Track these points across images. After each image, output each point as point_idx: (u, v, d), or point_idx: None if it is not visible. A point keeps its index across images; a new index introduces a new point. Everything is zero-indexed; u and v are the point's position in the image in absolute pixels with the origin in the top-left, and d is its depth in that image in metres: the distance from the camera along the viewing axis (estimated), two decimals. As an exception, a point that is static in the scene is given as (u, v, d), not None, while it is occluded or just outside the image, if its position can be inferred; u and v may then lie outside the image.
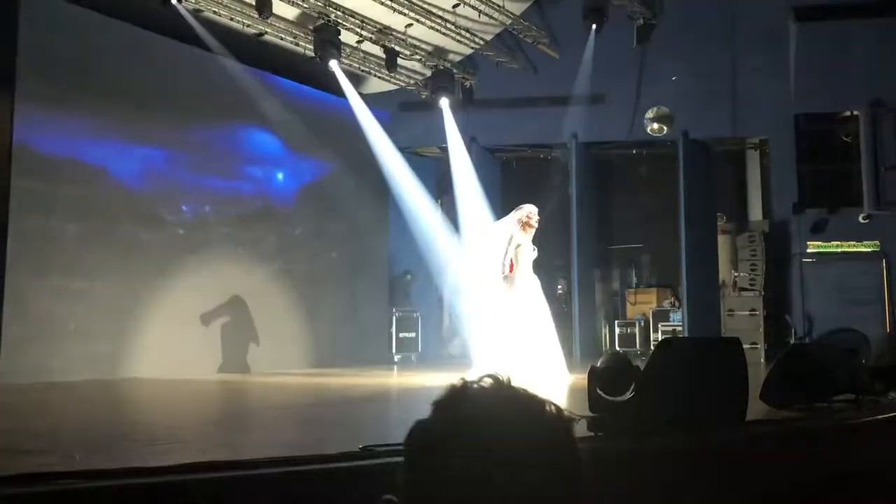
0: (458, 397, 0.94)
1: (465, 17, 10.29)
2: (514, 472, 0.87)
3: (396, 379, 8.76)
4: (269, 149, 9.88)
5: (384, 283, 11.54)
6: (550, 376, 7.63)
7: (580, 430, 3.60)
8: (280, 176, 10.21)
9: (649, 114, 10.95)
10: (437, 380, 7.02)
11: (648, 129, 10.97)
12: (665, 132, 11.01)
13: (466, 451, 0.88)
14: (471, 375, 0.97)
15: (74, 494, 2.29)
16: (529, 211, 8.31)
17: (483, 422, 0.90)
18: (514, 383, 0.96)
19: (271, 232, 10.01)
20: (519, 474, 0.87)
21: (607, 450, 3.24)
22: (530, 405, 0.93)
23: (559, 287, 11.69)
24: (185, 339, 8.58)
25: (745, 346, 4.19)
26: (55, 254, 7.74)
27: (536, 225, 8.31)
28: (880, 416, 4.25)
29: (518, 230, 8.14)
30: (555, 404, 0.94)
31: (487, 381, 0.95)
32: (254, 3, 8.50)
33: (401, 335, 11.09)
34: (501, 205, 10.68)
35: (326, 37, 9.21)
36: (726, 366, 3.91)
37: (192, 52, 8.86)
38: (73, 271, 7.87)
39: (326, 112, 10.44)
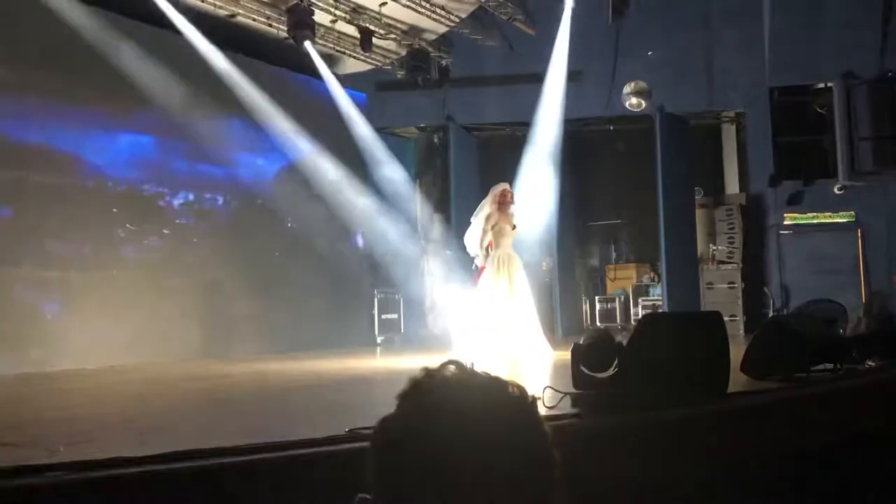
0: (421, 389, 0.94)
1: (440, -5, 10.21)
2: (484, 457, 0.88)
3: (380, 361, 8.77)
4: (245, 132, 9.77)
5: (365, 266, 11.52)
6: (532, 354, 7.68)
7: (565, 407, 3.64)
8: (256, 159, 10.11)
9: (627, 88, 10.94)
10: (421, 361, 7.03)
11: (627, 105, 10.97)
12: (643, 107, 11.02)
13: (434, 442, 0.89)
14: (433, 364, 0.97)
15: (60, 487, 2.27)
16: (504, 189, 8.32)
17: (448, 411, 0.90)
18: (477, 368, 0.97)
19: (249, 216, 9.93)
20: (488, 459, 0.88)
21: (592, 425, 3.27)
22: (493, 389, 0.94)
23: (543, 264, 11.72)
24: (164, 326, 8.52)
25: (725, 318, 4.24)
26: (29, 243, 7.64)
27: (513, 202, 8.32)
28: (858, 384, 4.33)
29: (494, 209, 8.15)
30: (517, 385, 0.95)
31: (449, 369, 0.95)
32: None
33: (383, 317, 11.09)
34: (479, 183, 10.67)
35: (300, 17, 9.10)
36: (707, 339, 3.95)
37: (162, 35, 8.72)
38: (48, 260, 7.77)
39: (301, 94, 10.34)
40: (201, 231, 9.34)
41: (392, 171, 11.22)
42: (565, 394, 3.75)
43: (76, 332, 7.77)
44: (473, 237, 8.30)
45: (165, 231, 8.95)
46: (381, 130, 11.30)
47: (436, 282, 11.69)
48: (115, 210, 8.40)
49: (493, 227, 8.09)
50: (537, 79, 11.10)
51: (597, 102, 11.42)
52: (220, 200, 9.64)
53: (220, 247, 9.43)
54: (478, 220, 8.30)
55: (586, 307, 12.42)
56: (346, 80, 10.90)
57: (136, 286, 8.42)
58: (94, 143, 8.31)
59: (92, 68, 8.10)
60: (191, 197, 9.31)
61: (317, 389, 5.83)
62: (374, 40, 10.33)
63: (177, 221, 9.08)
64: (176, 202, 9.15)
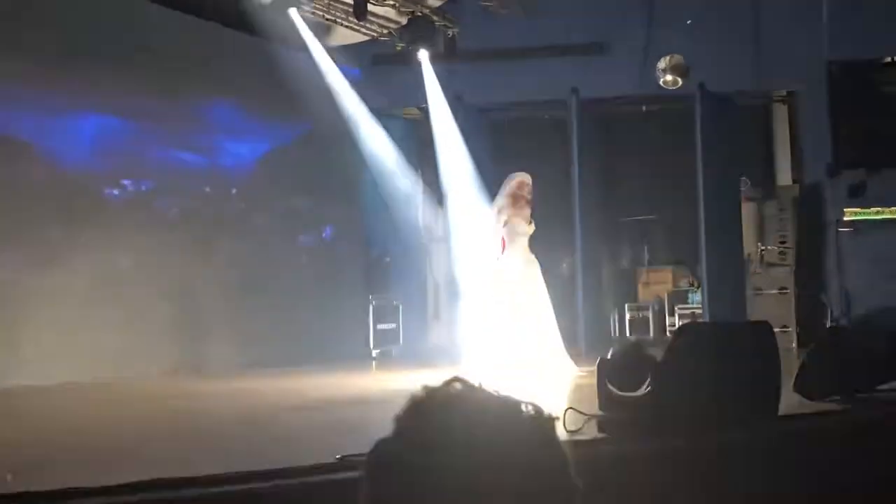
0: (422, 408, 0.95)
1: (446, -45, 10.22)
2: (494, 485, 0.88)
3: (375, 378, 8.78)
4: (222, 114, 9.80)
5: (359, 268, 11.53)
6: (552, 370, 7.68)
7: (590, 431, 3.64)
8: (234, 145, 10.14)
9: (662, 63, 10.92)
10: (422, 378, 7.04)
11: (661, 82, 10.95)
12: (680, 85, 11.00)
13: (437, 468, 0.89)
14: (434, 382, 0.98)
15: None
16: (520, 181, 8.30)
17: (453, 433, 0.91)
18: (485, 386, 0.97)
19: (225, 210, 9.96)
20: (499, 487, 0.88)
21: (621, 453, 3.28)
22: (504, 408, 0.94)
23: (563, 266, 11.72)
24: (130, 338, 8.54)
25: (776, 329, 4.24)
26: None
27: (529, 196, 8.30)
28: (931, 407, 4.32)
29: (508, 204, 8.14)
30: (532, 404, 0.96)
31: (454, 387, 0.96)
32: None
33: (379, 327, 11.09)
34: (492, 173, 10.66)
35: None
36: (755, 353, 3.95)
37: (126, 4, 8.75)
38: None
39: (286, 69, 10.34)
40: (171, 228, 9.35)
41: (390, 159, 11.22)
42: (590, 416, 3.76)
43: (28, 344, 7.79)
44: (484, 234, 8.31)
45: (130, 227, 8.96)
46: (377, 111, 11.29)
47: (441, 286, 11.69)
48: (70, 204, 8.42)
49: (505, 225, 8.09)
50: (558, 52, 11.09)
51: (627, 79, 11.40)
52: (193, 192, 9.66)
53: (193, 246, 9.44)
54: (490, 216, 8.30)
55: (614, 316, 12.40)
56: (338, 53, 10.91)
57: (97, 292, 8.44)
58: (49, 127, 8.34)
59: (46, 43, 8.12)
60: (158, 189, 9.33)
61: (303, 410, 5.84)
62: (370, 7, 10.34)
63: (143, 217, 9.09)
64: (142, 195, 9.18)
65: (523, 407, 0.95)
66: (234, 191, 10.11)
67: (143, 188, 9.21)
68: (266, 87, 9.69)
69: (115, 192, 8.94)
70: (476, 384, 0.97)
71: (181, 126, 9.59)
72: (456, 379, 0.98)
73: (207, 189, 9.81)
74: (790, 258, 11.38)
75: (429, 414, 0.94)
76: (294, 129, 10.41)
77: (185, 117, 9.62)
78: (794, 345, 10.38)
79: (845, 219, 11.41)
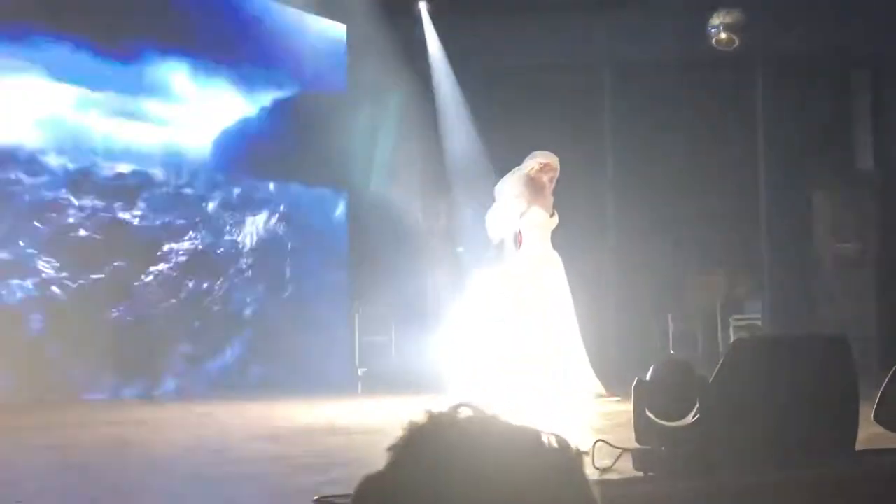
0: (424, 437, 0.95)
1: None
2: None
3: (361, 402, 8.78)
4: (172, 77, 9.79)
5: (343, 268, 11.52)
6: (576, 393, 7.68)
7: (625, 468, 3.63)
8: (188, 116, 10.12)
9: (715, 19, 10.92)
10: (418, 402, 7.04)
11: (714, 41, 10.95)
12: (737, 45, 10.99)
13: None
14: (438, 406, 0.99)
15: None
16: (543, 161, 8.29)
17: (460, 467, 0.91)
18: (498, 413, 0.98)
19: (175, 198, 9.93)
20: None
21: (662, 494, 3.28)
22: (522, 440, 0.95)
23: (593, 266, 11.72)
24: (61, 353, 8.56)
25: (853, 344, 4.23)
26: None
27: (553, 183, 8.29)
28: None
29: (527, 189, 8.13)
30: (555, 435, 0.97)
31: (462, 413, 0.97)
32: None
33: (366, 339, 11.11)
34: (506, 153, 10.66)
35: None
36: (827, 374, 3.95)
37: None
38: None
39: (257, 25, 10.35)
40: (111, 219, 9.33)
41: (382, 134, 11.22)
42: (624, 450, 3.75)
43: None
44: (496, 225, 8.28)
45: (61, 218, 8.96)
46: (367, 75, 11.29)
47: (442, 291, 11.68)
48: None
49: (522, 215, 8.09)
50: (587, 4, 11.09)
51: (671, 38, 11.39)
52: (139, 175, 9.64)
53: (137, 241, 9.44)
54: (504, 203, 8.27)
55: (655, 328, 12.41)
56: (321, 7, 10.90)
57: (21, 298, 8.44)
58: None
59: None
60: (97, 169, 9.31)
61: (272, 442, 5.85)
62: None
63: (76, 205, 9.09)
64: (76, 176, 9.16)
65: (545, 439, 0.95)
66: (188, 172, 10.09)
67: (79, 168, 9.18)
68: (232, 45, 9.69)
69: (43, 173, 8.92)
70: (488, 410, 0.98)
71: (127, 92, 9.57)
72: (464, 404, 0.98)
73: (156, 170, 9.78)
74: (871, 258, 11.37)
75: (432, 443, 0.94)
76: (265, 97, 10.39)
77: (133, 81, 9.60)
78: (876, 363, 10.37)
79: (939, 210, 11.42)
